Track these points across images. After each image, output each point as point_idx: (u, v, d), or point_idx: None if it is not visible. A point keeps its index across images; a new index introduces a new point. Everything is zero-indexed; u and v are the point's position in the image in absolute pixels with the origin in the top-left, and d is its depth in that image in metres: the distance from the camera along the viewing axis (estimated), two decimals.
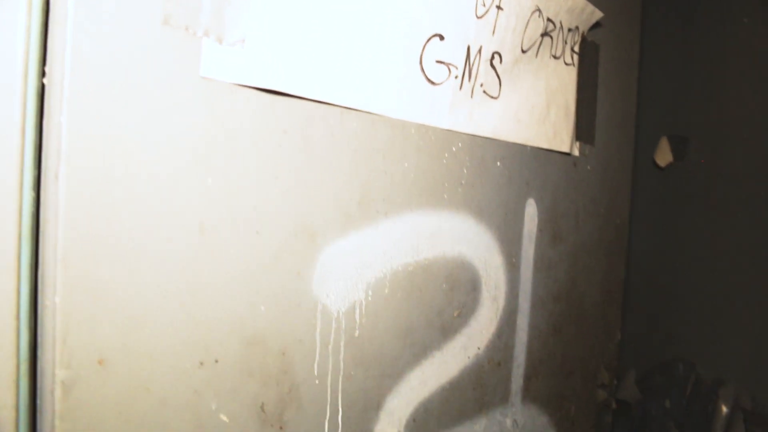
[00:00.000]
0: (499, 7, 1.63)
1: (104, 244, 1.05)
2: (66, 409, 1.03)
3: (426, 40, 1.49)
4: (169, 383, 1.15)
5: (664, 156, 2.64)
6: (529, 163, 1.88)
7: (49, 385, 1.03)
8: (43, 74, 1.00)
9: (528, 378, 1.95)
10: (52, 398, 1.03)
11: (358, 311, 1.44)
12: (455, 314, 1.67)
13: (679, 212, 2.57)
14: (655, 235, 2.63)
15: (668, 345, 2.61)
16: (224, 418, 1.23)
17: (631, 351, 2.67)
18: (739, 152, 2.37)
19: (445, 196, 1.62)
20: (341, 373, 1.42)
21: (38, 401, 1.05)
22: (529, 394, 1.96)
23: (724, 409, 2.38)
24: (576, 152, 2.07)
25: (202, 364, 1.19)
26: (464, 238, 1.67)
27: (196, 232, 1.16)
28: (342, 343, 1.41)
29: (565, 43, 1.94)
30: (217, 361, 1.21)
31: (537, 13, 1.77)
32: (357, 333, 1.44)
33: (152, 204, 1.10)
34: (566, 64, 1.97)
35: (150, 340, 1.12)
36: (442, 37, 1.53)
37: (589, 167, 2.16)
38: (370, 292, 1.46)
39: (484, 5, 1.59)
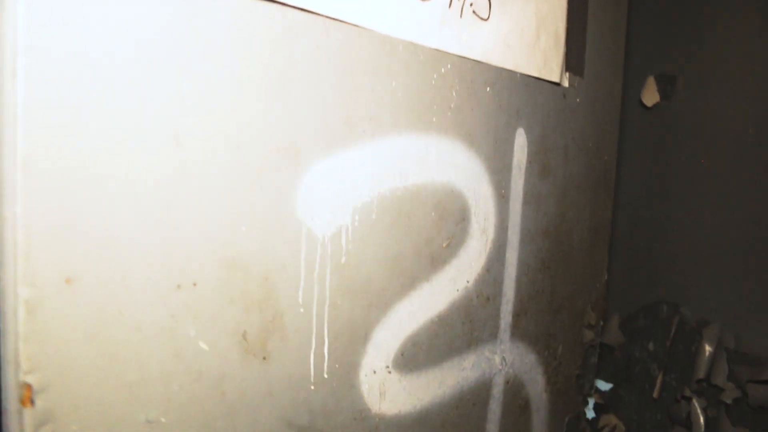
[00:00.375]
0: None
1: (69, 148, 0.95)
2: (30, 331, 0.94)
3: None
4: (143, 306, 1.06)
5: (651, 96, 2.57)
6: (518, 91, 1.79)
7: (11, 305, 0.94)
8: None
9: (517, 314, 1.89)
10: (15, 319, 0.94)
11: (344, 236, 1.36)
12: (444, 245, 1.60)
13: (666, 153, 2.52)
14: (641, 176, 2.58)
15: (652, 288, 2.57)
16: (204, 345, 1.15)
17: (616, 295, 2.64)
18: (727, 92, 2.31)
19: (434, 119, 1.53)
20: (327, 301, 1.34)
21: (0, 323, 0.95)
22: (517, 331, 1.91)
23: (708, 348, 2.35)
24: (566, 83, 1.99)
25: (179, 287, 1.10)
26: (453, 165, 1.59)
27: (171, 143, 1.07)
28: (328, 270, 1.33)
29: None
30: (195, 285, 1.13)
31: None
32: (343, 260, 1.36)
33: (122, 107, 1.00)
34: None
35: (122, 260, 1.03)
36: None
37: (578, 100, 2.08)
38: (356, 217, 1.37)
39: None
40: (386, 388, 1.50)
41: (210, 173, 1.12)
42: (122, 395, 1.06)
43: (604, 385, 2.47)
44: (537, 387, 2.07)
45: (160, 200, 1.06)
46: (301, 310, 1.29)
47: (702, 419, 2.31)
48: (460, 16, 1.56)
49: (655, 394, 2.46)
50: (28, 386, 0.95)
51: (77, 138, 0.95)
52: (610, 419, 2.64)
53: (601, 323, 2.44)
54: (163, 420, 1.11)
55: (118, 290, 1.03)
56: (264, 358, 1.24)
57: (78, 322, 0.99)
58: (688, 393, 2.34)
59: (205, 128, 1.10)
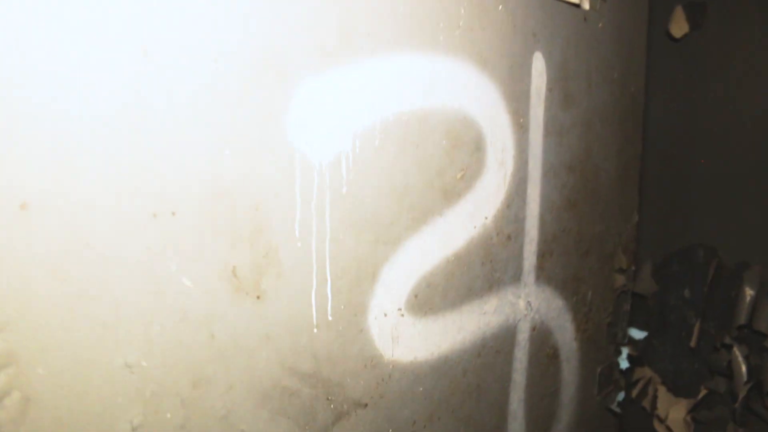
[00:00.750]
0: None
1: (17, 51, 0.82)
2: None
3: None
4: (114, 238, 0.94)
5: (679, 26, 2.39)
6: (534, 12, 1.63)
7: None
8: None
9: (541, 255, 1.75)
10: None
11: (344, 164, 1.22)
12: (458, 176, 1.46)
13: (698, 86, 2.34)
14: (672, 110, 2.40)
15: (686, 231, 2.41)
16: (187, 282, 1.03)
17: (647, 240, 2.48)
18: (762, 20, 2.13)
19: (441, 38, 1.38)
20: (328, 236, 1.21)
21: None
22: (543, 273, 1.77)
23: (750, 292, 2.19)
24: (586, 5, 1.83)
25: (155, 215, 0.98)
26: (465, 90, 1.45)
27: (138, 53, 0.94)
28: (327, 201, 1.20)
29: None
30: (174, 214, 1.00)
31: None
32: (344, 190, 1.23)
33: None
34: None
35: (85, 185, 0.91)
36: None
37: (600, 25, 1.91)
38: (357, 143, 1.24)
39: None
40: (399, 332, 1.37)
41: (185, 90, 0.99)
42: (95, 336, 0.94)
43: (638, 334, 2.33)
44: (566, 335, 1.93)
45: (128, 119, 0.94)
46: (299, 244, 1.17)
47: (744, 367, 2.17)
48: None
49: (692, 344, 2.31)
50: None
51: (29, 35, 0.83)
52: (645, 372, 2.50)
53: (633, 268, 2.29)
54: (144, 364, 1.00)
55: (82, 219, 0.91)
56: (258, 298, 1.12)
57: (38, 253, 0.87)
58: (728, 341, 2.19)
59: (176, 36, 0.97)
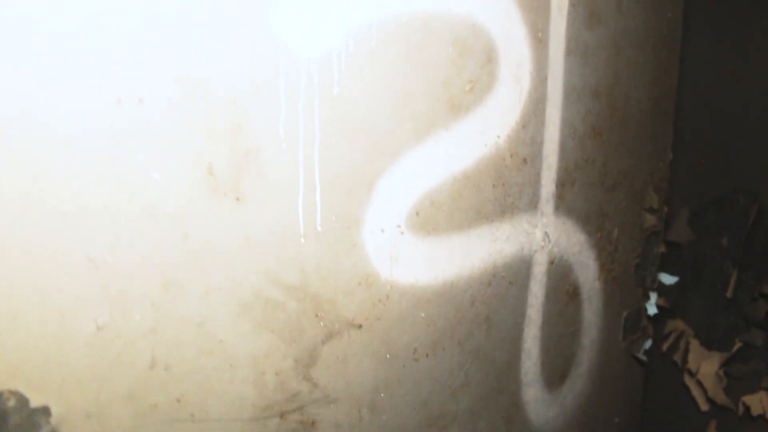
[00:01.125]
0: None
1: None
2: None
3: None
4: (70, 121, 0.87)
5: None
6: None
7: None
8: None
9: (561, 184, 1.64)
10: None
11: (335, 63, 1.13)
12: (466, 89, 1.35)
13: (744, 15, 2.17)
14: (713, 41, 2.23)
15: (726, 175, 2.26)
16: (156, 175, 0.96)
17: (683, 186, 2.33)
18: None
19: None
20: (317, 139, 1.13)
21: None
22: (563, 204, 1.66)
23: None
24: None
25: (119, 101, 0.91)
26: None
27: None
28: (316, 102, 1.11)
29: None
30: (141, 101, 0.93)
31: None
32: (336, 91, 1.14)
33: None
34: None
35: (40, 61, 0.84)
36: None
37: None
38: (351, 42, 1.14)
39: None
40: (398, 251, 1.29)
41: None
42: (54, 226, 0.88)
43: (668, 279, 2.20)
44: (588, 273, 1.82)
45: None
46: (284, 146, 1.09)
47: None
48: None
49: (728, 294, 2.18)
50: None
51: None
52: (677, 324, 2.37)
53: (665, 210, 2.15)
54: (109, 259, 0.93)
55: (31, 99, 0.84)
56: (237, 200, 1.05)
57: None
58: (766, 291, 2.06)
59: None
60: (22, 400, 0.90)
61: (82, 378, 0.94)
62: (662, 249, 2.26)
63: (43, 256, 0.89)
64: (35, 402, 0.91)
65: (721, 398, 2.12)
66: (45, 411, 0.92)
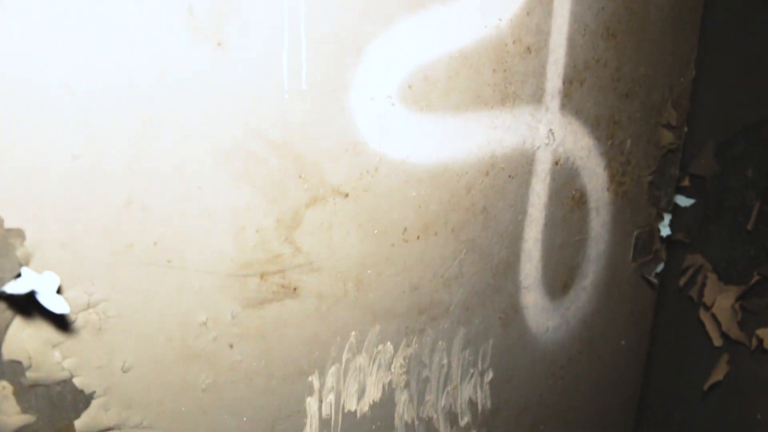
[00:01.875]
0: None
1: None
2: None
3: None
4: None
5: None
6: None
7: None
8: None
9: (569, 81, 1.59)
10: None
11: None
12: None
13: None
14: None
15: (755, 103, 2.17)
16: (134, 6, 0.95)
17: (709, 116, 2.25)
18: None
19: None
20: None
21: None
22: (570, 102, 1.62)
23: None
24: None
25: None
26: None
27: None
28: None
29: None
30: None
31: None
32: None
33: None
34: None
35: None
36: None
37: None
38: None
39: None
40: (388, 122, 1.27)
41: None
42: (28, 50, 0.88)
43: (684, 201, 2.14)
44: (596, 181, 1.78)
45: None
46: None
47: None
48: None
49: (749, 226, 2.11)
50: None
51: None
52: (696, 259, 2.32)
53: (685, 129, 2.09)
54: (84, 87, 0.93)
55: None
56: (219, 45, 1.04)
57: None
58: None
59: None
60: None
61: (57, 206, 0.95)
62: (685, 182, 2.20)
63: (18, 77, 0.89)
64: (9, 223, 0.92)
65: (735, 332, 2.08)
66: (19, 233, 0.93)
